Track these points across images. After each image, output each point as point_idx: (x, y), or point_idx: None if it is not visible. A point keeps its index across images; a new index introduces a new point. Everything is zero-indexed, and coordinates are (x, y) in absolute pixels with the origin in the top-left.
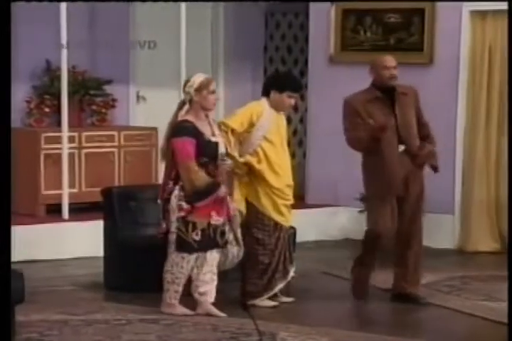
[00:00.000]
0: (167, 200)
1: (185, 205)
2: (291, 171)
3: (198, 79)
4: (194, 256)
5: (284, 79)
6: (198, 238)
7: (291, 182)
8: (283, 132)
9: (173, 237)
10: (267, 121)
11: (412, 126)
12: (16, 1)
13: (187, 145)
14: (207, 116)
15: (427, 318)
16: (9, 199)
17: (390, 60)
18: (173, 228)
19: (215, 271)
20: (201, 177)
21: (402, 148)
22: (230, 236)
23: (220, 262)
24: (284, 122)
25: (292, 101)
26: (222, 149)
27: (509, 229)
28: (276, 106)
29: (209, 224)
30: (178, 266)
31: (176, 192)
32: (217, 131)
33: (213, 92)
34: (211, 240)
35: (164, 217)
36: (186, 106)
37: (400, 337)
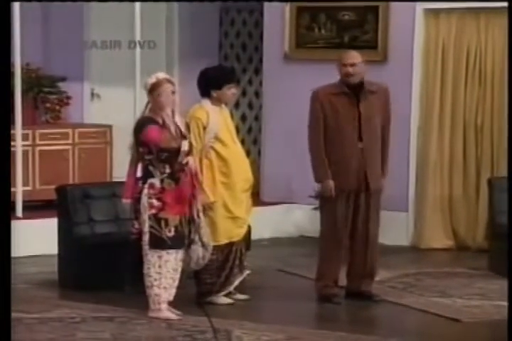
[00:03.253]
0: (137, 200)
1: (155, 202)
2: (248, 164)
3: (150, 80)
4: (173, 256)
5: (216, 77)
6: (171, 234)
7: (249, 176)
8: (230, 126)
9: (146, 237)
10: (214, 121)
11: (373, 128)
12: (15, 1)
13: (151, 132)
14: (173, 114)
15: (381, 315)
16: (9, 198)
17: (348, 57)
18: (146, 227)
19: (177, 276)
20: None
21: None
22: (195, 237)
23: (184, 263)
24: (228, 114)
25: (233, 90)
26: (185, 147)
27: (509, 228)
28: (221, 101)
29: (181, 221)
30: (156, 266)
31: (146, 190)
32: (183, 129)
33: (163, 93)
34: (184, 237)
35: (136, 217)
36: (150, 105)
37: (354, 334)
